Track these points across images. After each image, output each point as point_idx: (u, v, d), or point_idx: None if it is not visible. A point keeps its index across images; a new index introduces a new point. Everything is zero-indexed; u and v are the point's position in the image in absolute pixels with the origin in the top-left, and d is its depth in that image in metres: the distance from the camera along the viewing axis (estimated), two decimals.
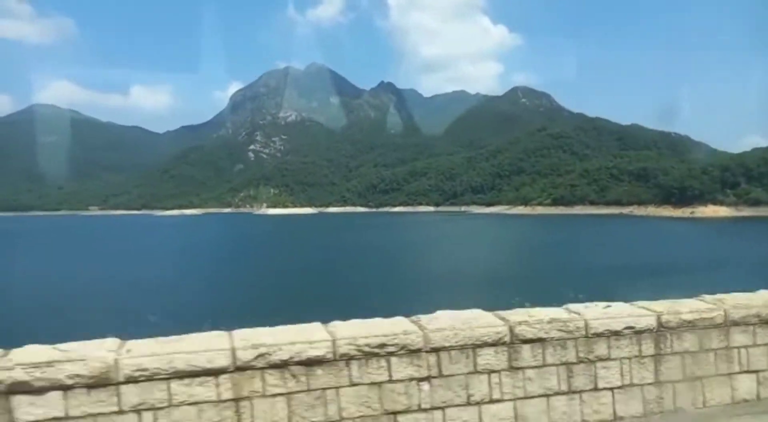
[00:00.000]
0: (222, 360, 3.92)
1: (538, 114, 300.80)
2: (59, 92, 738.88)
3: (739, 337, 5.27)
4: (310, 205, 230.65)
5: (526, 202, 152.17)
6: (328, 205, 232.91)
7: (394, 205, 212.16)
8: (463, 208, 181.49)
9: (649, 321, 4.99)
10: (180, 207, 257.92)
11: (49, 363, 3.66)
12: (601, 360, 4.81)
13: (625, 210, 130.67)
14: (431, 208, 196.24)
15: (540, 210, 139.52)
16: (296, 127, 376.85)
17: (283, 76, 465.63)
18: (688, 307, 5.22)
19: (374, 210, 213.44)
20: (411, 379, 4.33)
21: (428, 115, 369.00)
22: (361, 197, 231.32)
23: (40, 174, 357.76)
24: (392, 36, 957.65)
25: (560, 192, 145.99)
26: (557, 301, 5.35)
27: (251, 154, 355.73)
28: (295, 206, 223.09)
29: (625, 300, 5.38)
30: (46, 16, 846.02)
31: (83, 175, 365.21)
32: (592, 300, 5.32)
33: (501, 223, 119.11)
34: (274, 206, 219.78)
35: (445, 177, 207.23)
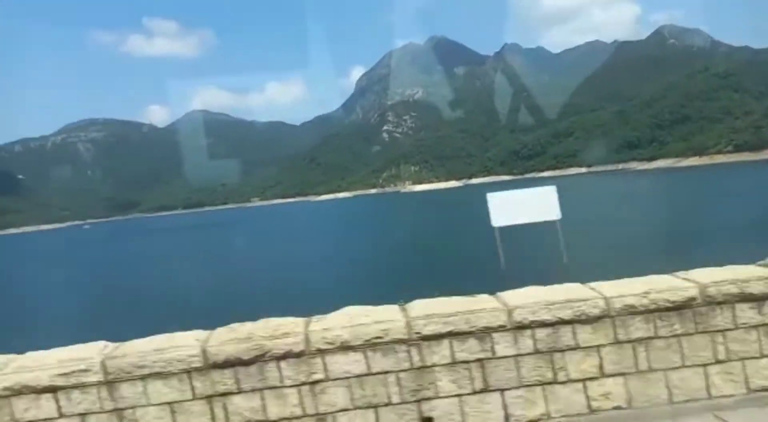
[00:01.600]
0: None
1: (690, 54, 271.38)
2: (208, 98, 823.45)
3: None
4: (453, 178, 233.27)
5: (700, 152, 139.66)
6: (470, 177, 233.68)
7: (541, 170, 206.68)
8: (620, 166, 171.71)
9: None
10: (330, 192, 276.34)
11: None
12: None
13: None
14: (583, 170, 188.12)
15: (720, 158, 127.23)
16: (424, 102, 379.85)
17: (405, 53, 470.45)
18: None
19: (519, 177, 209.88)
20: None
21: (561, 71, 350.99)
22: (504, 165, 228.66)
23: (205, 174, 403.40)
24: None
25: (743, 136, 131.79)
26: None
27: (385, 135, 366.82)
28: (439, 181, 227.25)
29: None
30: (190, 31, 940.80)
31: (239, 171, 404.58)
32: None
33: (679, 178, 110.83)
34: (420, 182, 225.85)
35: (594, 135, 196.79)
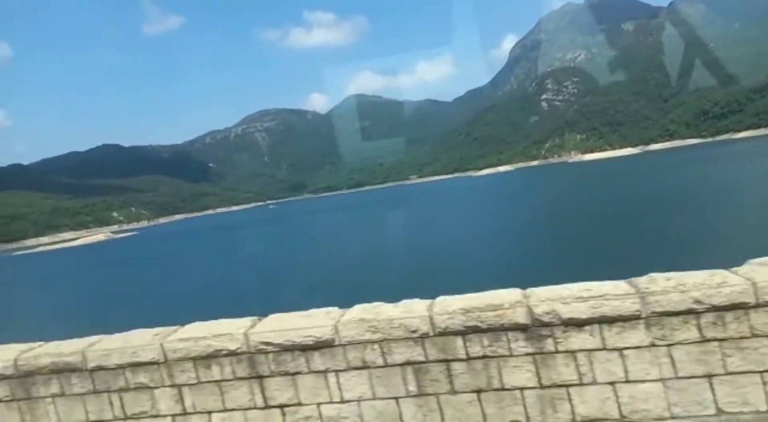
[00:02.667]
0: None
1: None
2: (362, 83, 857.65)
3: None
4: (628, 145, 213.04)
5: None
6: (648, 143, 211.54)
7: (738, 131, 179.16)
8: None
9: None
10: (489, 166, 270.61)
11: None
12: None
13: None
14: None
15: None
16: (587, 66, 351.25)
17: (562, 15, 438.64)
18: None
19: (709, 140, 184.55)
20: None
21: (757, 18, 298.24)
22: (690, 127, 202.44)
23: (364, 154, 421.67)
24: None
25: None
26: None
27: (544, 104, 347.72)
28: (613, 148, 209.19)
29: None
30: (345, 19, 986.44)
31: (395, 151, 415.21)
32: None
33: None
34: (590, 151, 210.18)
35: None
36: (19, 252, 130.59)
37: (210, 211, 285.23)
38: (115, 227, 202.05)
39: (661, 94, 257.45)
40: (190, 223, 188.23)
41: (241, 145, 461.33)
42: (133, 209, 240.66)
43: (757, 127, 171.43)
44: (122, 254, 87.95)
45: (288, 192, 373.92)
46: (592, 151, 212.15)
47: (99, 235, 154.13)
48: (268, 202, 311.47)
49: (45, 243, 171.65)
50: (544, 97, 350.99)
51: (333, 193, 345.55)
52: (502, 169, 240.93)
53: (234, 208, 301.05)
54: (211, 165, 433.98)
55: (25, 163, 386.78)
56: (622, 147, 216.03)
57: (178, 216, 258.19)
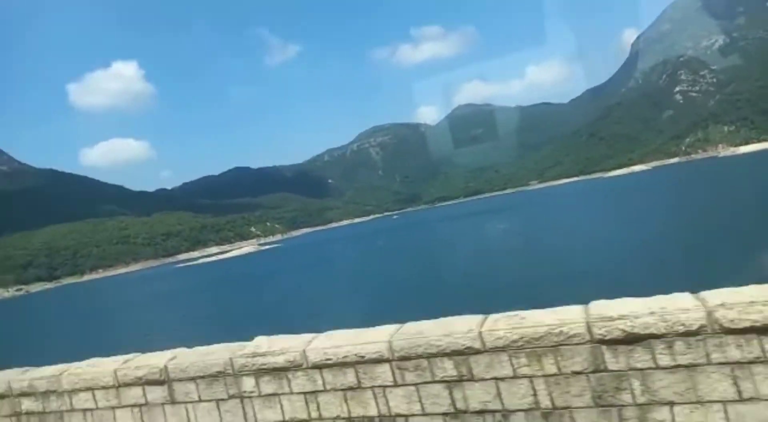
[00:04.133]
0: None
1: None
2: (472, 92, 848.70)
3: None
4: None
5: None
6: None
7: None
8: None
9: None
10: (619, 166, 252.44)
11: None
12: None
13: None
14: None
15: None
16: (726, 51, 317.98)
17: (692, 2, 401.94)
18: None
19: None
20: None
21: None
22: None
23: (477, 162, 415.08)
24: None
25: None
26: None
27: (679, 97, 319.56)
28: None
29: None
30: (453, 31, 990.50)
31: (511, 157, 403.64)
32: None
33: None
34: (745, 143, 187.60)
35: None
36: (182, 265, 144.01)
37: (334, 224, 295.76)
38: (260, 240, 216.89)
39: None
40: (321, 235, 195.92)
41: (356, 161, 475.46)
42: (268, 224, 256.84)
43: None
44: (280, 262, 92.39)
45: (404, 203, 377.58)
46: (747, 143, 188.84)
47: (248, 248, 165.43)
48: (390, 213, 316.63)
49: (196, 256, 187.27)
50: (678, 89, 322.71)
51: (449, 202, 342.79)
52: (636, 168, 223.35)
53: (356, 220, 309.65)
54: (330, 181, 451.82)
55: (168, 187, 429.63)
56: None
57: (306, 230, 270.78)
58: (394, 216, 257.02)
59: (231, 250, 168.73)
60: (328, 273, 57.86)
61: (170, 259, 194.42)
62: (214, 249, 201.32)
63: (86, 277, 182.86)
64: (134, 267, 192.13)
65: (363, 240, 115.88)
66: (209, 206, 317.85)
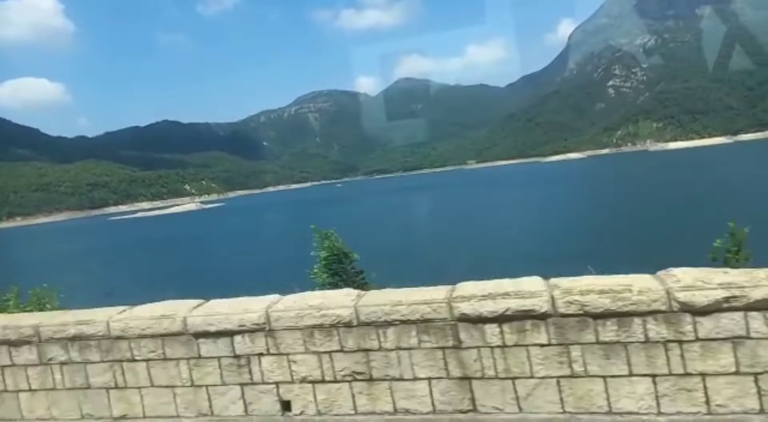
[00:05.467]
0: None
1: None
2: (411, 66, 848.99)
3: None
4: (714, 135, 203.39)
5: None
6: (735, 133, 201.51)
7: None
8: None
9: None
10: (555, 152, 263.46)
11: None
12: None
13: None
14: None
15: None
16: (658, 51, 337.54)
17: None
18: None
19: None
20: None
21: None
22: None
23: (416, 137, 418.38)
24: None
25: None
26: None
27: (611, 91, 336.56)
28: (700, 137, 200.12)
29: None
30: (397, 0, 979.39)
31: (448, 135, 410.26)
32: None
33: None
34: (673, 140, 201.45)
35: None
36: (116, 218, 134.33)
37: (271, 188, 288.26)
38: (195, 198, 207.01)
39: (745, 82, 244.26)
40: (262, 198, 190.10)
41: (294, 125, 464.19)
42: (203, 182, 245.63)
43: None
44: (240, 222, 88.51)
45: (340, 173, 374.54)
46: (675, 140, 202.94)
47: (190, 205, 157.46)
48: (329, 181, 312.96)
49: (126, 210, 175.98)
50: (611, 83, 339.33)
51: (387, 175, 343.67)
52: (572, 155, 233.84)
53: (293, 185, 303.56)
54: (265, 143, 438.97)
55: (89, 135, 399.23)
56: (704, 136, 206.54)
57: (242, 191, 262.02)
58: (338, 185, 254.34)
59: (166, 207, 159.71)
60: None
61: (96, 212, 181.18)
62: (145, 205, 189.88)
63: (2, 224, 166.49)
64: (57, 217, 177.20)
65: (313, 206, 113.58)
66: (135, 159, 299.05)
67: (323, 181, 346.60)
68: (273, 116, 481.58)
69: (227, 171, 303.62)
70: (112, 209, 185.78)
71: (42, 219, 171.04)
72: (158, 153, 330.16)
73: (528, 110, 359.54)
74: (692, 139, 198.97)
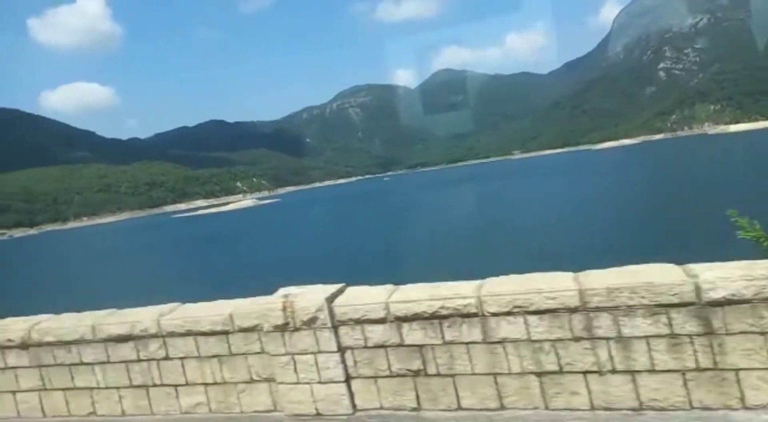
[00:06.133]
0: None
1: None
2: (450, 57, 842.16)
3: None
4: None
5: None
6: None
7: None
8: None
9: None
10: (605, 139, 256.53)
11: None
12: None
13: None
14: None
15: None
16: (711, 31, 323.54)
17: None
18: None
19: None
20: None
21: None
22: None
23: (458, 129, 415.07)
24: None
25: None
26: None
27: (662, 74, 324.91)
28: (766, 118, 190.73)
29: None
30: None
31: (490, 126, 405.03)
32: None
33: None
34: (735, 122, 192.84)
35: None
36: (180, 216, 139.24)
37: (318, 184, 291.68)
38: (247, 195, 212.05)
39: None
40: (314, 193, 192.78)
41: (336, 121, 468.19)
42: (254, 180, 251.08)
43: None
44: (300, 216, 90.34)
45: (383, 167, 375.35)
46: (737, 122, 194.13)
47: (248, 201, 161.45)
48: (373, 175, 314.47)
49: (183, 208, 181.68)
50: (661, 66, 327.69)
51: (431, 168, 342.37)
52: (626, 142, 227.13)
53: (340, 181, 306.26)
54: (308, 140, 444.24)
55: (140, 137, 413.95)
56: (766, 119, 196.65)
57: (290, 188, 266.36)
58: (385, 179, 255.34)
59: (222, 204, 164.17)
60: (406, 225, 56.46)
61: (156, 210, 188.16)
62: (201, 202, 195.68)
63: (70, 225, 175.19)
64: (120, 216, 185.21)
65: (368, 199, 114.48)
66: (185, 158, 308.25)
67: (367, 176, 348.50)
68: (315, 112, 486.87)
69: (274, 168, 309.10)
70: (170, 208, 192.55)
71: (107, 219, 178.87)
72: (206, 152, 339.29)
73: (573, 97, 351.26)
74: (756, 120, 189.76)
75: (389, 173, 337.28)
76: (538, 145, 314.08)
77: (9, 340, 5.28)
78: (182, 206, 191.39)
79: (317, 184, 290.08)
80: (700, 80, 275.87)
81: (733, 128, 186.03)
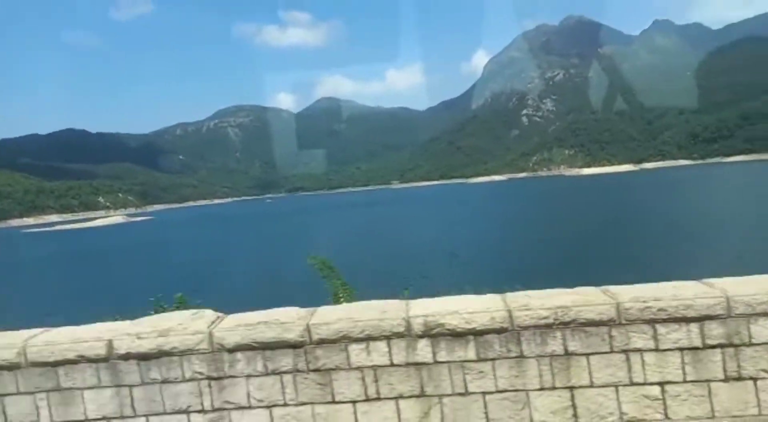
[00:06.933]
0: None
1: None
2: (333, 86, 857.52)
3: None
4: (619, 163, 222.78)
5: None
6: (639, 161, 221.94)
7: (727, 155, 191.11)
8: None
9: None
10: (477, 174, 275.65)
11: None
12: None
13: None
14: None
15: None
16: (565, 85, 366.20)
17: (538, 35, 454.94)
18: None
19: (700, 162, 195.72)
20: None
21: (727, 50, 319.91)
22: (681, 149, 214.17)
23: (340, 157, 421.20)
24: None
25: None
26: None
27: (525, 119, 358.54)
28: (611, 164, 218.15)
29: None
30: (322, 20, 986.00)
31: (371, 155, 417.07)
32: None
33: None
34: (587, 166, 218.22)
35: None
36: (36, 230, 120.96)
37: (191, 203, 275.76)
38: (110, 211, 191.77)
39: (644, 116, 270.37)
40: (192, 212, 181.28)
41: (213, 139, 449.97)
42: (120, 195, 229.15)
43: (749, 152, 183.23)
44: (185, 235, 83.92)
45: (261, 189, 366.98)
46: (589, 166, 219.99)
47: (117, 217, 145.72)
48: (254, 197, 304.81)
49: (32, 224, 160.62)
50: (524, 112, 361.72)
51: (311, 192, 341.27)
52: (496, 178, 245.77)
53: (216, 201, 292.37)
54: (181, 157, 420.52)
55: None
56: (610, 164, 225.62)
57: (160, 206, 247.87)
58: (268, 201, 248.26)
59: (84, 220, 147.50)
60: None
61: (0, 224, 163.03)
62: (55, 217, 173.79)
63: None
64: None
65: (254, 220, 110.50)
66: (37, 168, 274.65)
67: (245, 197, 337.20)
68: (190, 129, 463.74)
69: (142, 184, 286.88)
70: (15, 222, 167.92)
71: None
72: (63, 163, 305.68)
73: (448, 134, 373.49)
74: (604, 165, 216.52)
75: (268, 196, 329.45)
76: (416, 176, 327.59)
77: None
78: (30, 220, 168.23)
79: (191, 203, 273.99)
80: (557, 127, 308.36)
81: (586, 171, 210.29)
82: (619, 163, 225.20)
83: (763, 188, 79.78)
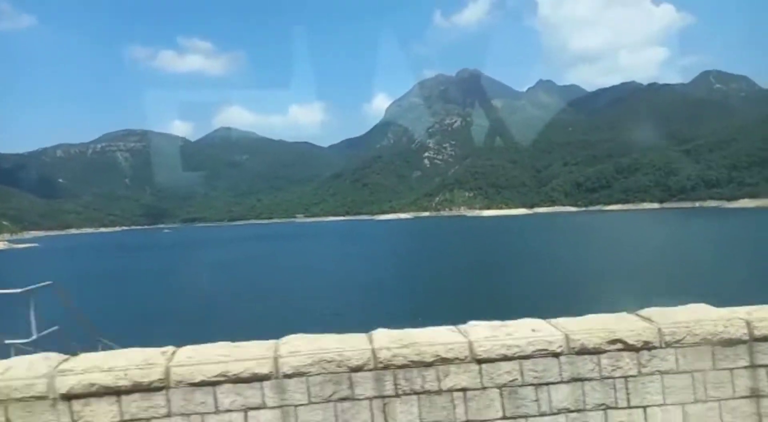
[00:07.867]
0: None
1: (738, 99, 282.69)
2: (233, 116, 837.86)
3: None
4: (511, 206, 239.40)
5: None
6: (531, 206, 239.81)
7: (607, 204, 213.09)
8: (697, 204, 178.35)
9: None
10: (382, 212, 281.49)
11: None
12: None
13: None
14: (655, 205, 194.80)
15: None
16: (464, 131, 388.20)
17: (436, 84, 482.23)
18: None
19: (584, 209, 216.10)
20: None
21: (600, 110, 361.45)
22: (569, 196, 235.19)
23: (240, 188, 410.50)
24: (543, 32, 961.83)
25: None
26: None
27: (426, 161, 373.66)
28: (508, 207, 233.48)
29: None
30: (225, 51, 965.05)
31: (273, 188, 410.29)
32: None
33: None
34: (487, 208, 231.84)
35: (665, 172, 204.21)
36: None
37: (75, 230, 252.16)
38: (6, 236, 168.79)
39: (534, 165, 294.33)
40: (78, 240, 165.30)
41: (99, 164, 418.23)
42: None
43: (624, 202, 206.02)
44: (69, 264, 76.40)
45: (153, 218, 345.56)
46: (488, 208, 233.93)
47: None
48: (144, 226, 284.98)
49: None
50: (426, 154, 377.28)
51: (209, 224, 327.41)
52: (401, 215, 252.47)
53: (102, 229, 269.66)
54: (61, 181, 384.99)
55: None
56: (506, 207, 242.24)
57: (38, 232, 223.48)
58: (166, 231, 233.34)
59: None
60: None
61: None
62: None
63: None
64: None
65: (145, 251, 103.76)
66: None
67: (135, 226, 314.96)
68: (73, 151, 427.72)
69: (15, 208, 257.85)
70: None
71: None
72: None
73: (353, 171, 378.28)
74: (501, 208, 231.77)
75: (166, 226, 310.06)
76: (321, 211, 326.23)
77: None
78: None
79: (74, 231, 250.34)
80: (457, 170, 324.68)
81: (486, 213, 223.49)
82: (515, 207, 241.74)
83: (630, 237, 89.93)
